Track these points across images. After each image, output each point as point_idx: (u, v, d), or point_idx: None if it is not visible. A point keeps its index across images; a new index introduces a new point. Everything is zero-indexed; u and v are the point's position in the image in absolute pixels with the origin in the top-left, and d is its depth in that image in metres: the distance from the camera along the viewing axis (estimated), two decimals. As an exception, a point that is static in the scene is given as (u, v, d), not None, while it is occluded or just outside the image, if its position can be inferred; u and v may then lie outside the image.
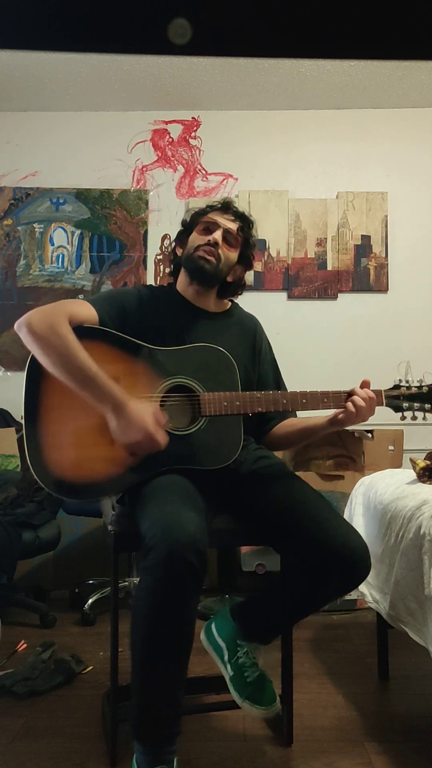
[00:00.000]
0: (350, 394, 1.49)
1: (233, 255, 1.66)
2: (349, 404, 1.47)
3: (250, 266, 1.73)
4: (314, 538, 1.34)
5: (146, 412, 1.37)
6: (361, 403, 1.47)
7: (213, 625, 1.59)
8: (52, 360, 1.40)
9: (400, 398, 1.52)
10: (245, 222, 1.68)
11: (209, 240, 1.61)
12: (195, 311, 1.66)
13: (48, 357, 1.40)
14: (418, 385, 1.53)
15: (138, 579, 1.44)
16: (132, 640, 1.29)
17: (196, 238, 1.64)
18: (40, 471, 1.39)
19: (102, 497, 1.46)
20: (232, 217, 1.66)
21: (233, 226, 1.65)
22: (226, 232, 1.63)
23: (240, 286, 1.74)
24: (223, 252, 1.63)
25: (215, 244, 1.61)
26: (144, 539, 1.27)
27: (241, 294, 1.77)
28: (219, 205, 1.68)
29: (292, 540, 1.39)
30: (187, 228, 1.69)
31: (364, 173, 3.36)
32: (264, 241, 3.30)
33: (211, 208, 1.68)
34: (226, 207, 1.67)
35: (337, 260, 3.32)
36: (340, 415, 1.50)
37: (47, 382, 1.42)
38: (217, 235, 1.62)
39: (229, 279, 1.69)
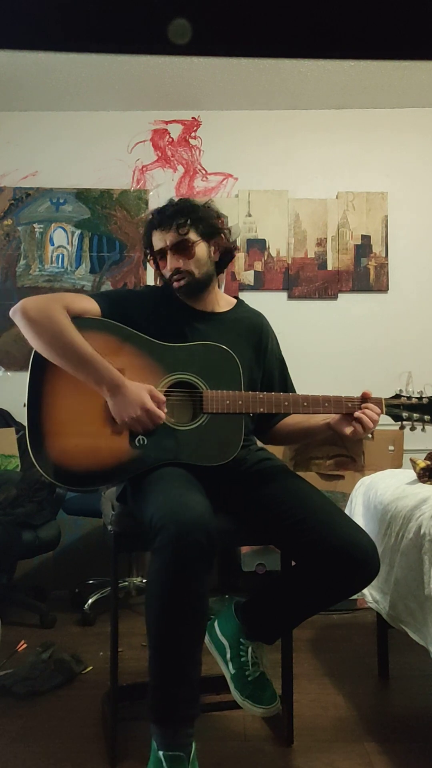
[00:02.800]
0: (350, 400, 1.49)
1: (199, 253, 1.57)
2: (353, 418, 1.46)
3: (218, 232, 1.61)
4: (323, 537, 1.34)
5: (143, 389, 1.40)
6: (368, 421, 1.45)
7: (216, 623, 1.59)
8: (46, 342, 1.40)
9: (400, 407, 1.52)
10: (178, 217, 1.54)
11: (169, 272, 1.56)
12: (197, 314, 1.64)
13: (41, 339, 1.40)
14: (419, 396, 1.53)
15: (148, 564, 1.43)
16: (147, 622, 1.30)
17: (161, 270, 1.60)
18: (41, 458, 1.39)
19: (100, 486, 1.46)
20: (168, 227, 1.54)
21: (173, 237, 1.54)
22: (173, 249, 1.55)
23: (229, 252, 1.65)
24: (188, 265, 1.55)
25: (176, 271, 1.55)
26: (150, 523, 1.28)
27: (234, 255, 1.67)
28: (149, 224, 1.60)
29: (299, 539, 1.39)
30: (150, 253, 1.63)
31: (364, 173, 3.36)
32: (264, 241, 3.30)
33: (148, 229, 1.60)
34: (156, 223, 1.58)
35: (337, 260, 3.31)
36: (345, 429, 1.47)
37: (52, 369, 1.43)
38: (170, 262, 1.55)
39: (215, 258, 1.62)
